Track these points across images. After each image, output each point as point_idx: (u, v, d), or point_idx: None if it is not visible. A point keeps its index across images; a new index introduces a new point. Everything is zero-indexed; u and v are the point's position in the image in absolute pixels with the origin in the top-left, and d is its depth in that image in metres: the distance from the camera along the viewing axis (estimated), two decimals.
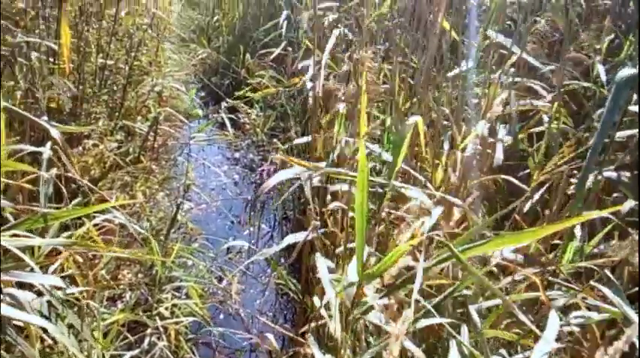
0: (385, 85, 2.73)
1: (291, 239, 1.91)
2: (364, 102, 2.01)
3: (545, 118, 2.22)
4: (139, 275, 2.20)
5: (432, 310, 1.34)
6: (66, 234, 1.81)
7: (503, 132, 2.15)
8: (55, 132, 1.83)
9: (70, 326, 1.43)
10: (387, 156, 2.19)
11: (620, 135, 1.86)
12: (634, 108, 1.88)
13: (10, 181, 1.80)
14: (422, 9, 2.63)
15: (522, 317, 1.20)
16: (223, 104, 4.19)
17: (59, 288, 1.44)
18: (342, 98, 2.46)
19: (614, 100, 1.55)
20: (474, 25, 2.69)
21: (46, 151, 1.83)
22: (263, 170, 3.58)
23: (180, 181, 3.19)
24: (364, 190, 1.36)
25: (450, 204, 1.67)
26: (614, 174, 1.78)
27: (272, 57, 4.08)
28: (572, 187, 1.73)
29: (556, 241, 1.76)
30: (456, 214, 1.72)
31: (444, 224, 1.68)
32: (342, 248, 1.90)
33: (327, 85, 2.58)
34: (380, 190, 1.89)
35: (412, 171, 2.01)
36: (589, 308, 1.35)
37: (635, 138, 1.85)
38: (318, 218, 2.23)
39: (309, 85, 2.89)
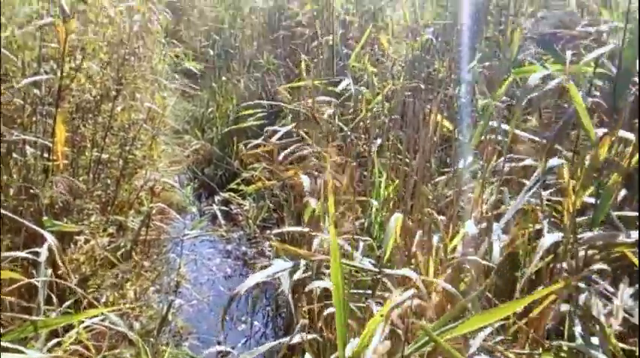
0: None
1: (273, 344, 1.89)
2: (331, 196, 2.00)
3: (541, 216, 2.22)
4: None
5: None
6: (55, 340, 1.75)
7: (499, 231, 2.14)
8: (50, 239, 1.81)
9: None
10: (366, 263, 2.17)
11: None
12: None
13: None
14: (416, 107, 2.67)
15: None
16: (216, 197, 4.18)
17: None
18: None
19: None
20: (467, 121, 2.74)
21: (43, 255, 1.81)
22: (255, 263, 3.55)
23: (171, 276, 3.14)
24: (339, 282, 1.35)
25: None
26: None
27: (265, 149, 4.12)
28: None
29: None
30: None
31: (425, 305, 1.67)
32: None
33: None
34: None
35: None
36: None
37: None
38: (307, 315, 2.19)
39: (305, 182, 2.91)
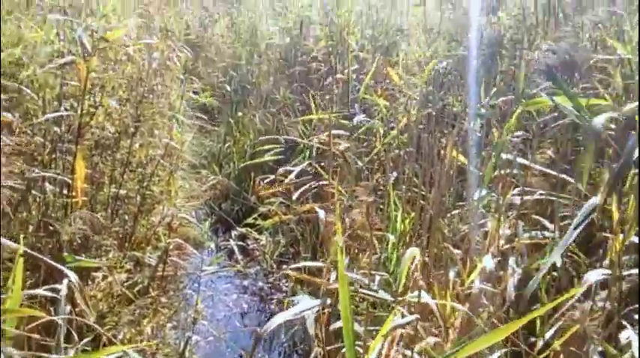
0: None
1: None
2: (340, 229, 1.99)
3: None
4: None
5: None
6: None
7: (513, 265, 2.12)
8: (72, 276, 1.83)
9: None
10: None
11: None
12: None
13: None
14: (430, 141, 2.68)
15: None
16: (233, 232, 4.20)
17: None
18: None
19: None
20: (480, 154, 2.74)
21: (63, 290, 1.83)
22: (272, 299, 3.54)
23: (188, 312, 3.14)
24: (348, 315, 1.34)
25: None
26: None
27: (283, 183, 4.14)
28: None
29: None
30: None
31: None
32: None
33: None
34: None
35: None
36: None
37: None
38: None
39: (321, 214, 2.91)
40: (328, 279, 2.51)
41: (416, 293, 1.92)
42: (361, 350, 1.70)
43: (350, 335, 1.37)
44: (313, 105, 4.59)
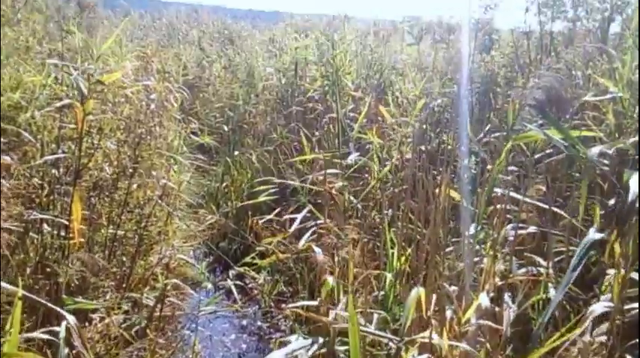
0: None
1: None
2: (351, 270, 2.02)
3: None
4: None
5: None
6: None
7: (509, 301, 2.13)
8: (71, 318, 1.83)
9: None
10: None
11: None
12: None
13: None
14: (425, 179, 2.71)
15: None
16: (231, 271, 4.19)
17: None
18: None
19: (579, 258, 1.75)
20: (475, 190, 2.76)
21: (62, 333, 1.83)
22: (271, 339, 3.52)
23: (186, 353, 3.13)
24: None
25: None
26: None
27: (279, 221, 4.16)
28: None
29: None
30: None
31: None
32: None
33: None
34: None
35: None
36: None
37: None
38: None
39: (317, 252, 2.92)
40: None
41: (424, 333, 1.94)
42: None
43: None
44: (306, 144, 4.64)
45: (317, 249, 2.91)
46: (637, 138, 2.25)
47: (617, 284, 1.91)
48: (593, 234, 1.99)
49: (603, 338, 1.91)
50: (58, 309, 1.96)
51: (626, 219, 1.95)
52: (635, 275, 1.99)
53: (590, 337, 1.88)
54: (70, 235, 2.69)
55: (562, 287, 1.90)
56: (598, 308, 1.89)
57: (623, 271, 1.92)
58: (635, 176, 1.91)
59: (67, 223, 2.68)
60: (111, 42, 3.00)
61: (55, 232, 2.70)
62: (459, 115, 3.91)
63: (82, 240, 2.79)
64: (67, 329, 1.95)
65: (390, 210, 3.18)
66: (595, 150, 2.11)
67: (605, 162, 2.73)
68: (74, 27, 3.62)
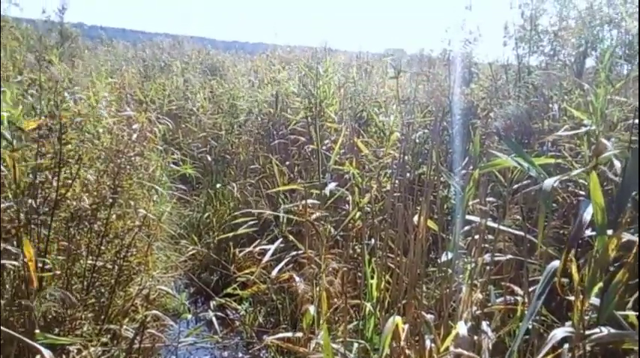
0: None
1: None
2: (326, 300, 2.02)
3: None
4: None
5: None
6: None
7: (487, 330, 2.14)
8: (47, 353, 1.82)
9: None
10: None
11: None
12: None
13: None
14: (404, 209, 2.73)
15: None
16: (212, 302, 4.17)
17: None
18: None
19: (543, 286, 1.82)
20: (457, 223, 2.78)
21: None
22: None
23: None
24: None
25: None
26: None
27: (261, 252, 4.14)
28: None
29: None
30: None
31: None
32: None
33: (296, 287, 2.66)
34: None
35: None
36: None
37: None
38: None
39: (298, 282, 2.92)
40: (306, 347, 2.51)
41: None
42: None
43: None
44: (285, 175, 4.67)
45: (297, 279, 2.91)
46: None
47: (576, 310, 1.93)
48: (555, 263, 2.02)
49: None
50: (33, 344, 1.94)
51: (572, 245, 1.99)
52: (595, 300, 2.02)
53: None
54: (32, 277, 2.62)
55: (528, 315, 1.92)
56: (559, 333, 1.91)
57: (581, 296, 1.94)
58: (589, 208, 1.96)
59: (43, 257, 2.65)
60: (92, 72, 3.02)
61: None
62: (439, 147, 3.95)
63: (59, 272, 2.76)
64: None
65: (372, 240, 3.19)
66: (549, 181, 2.15)
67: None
68: (55, 57, 3.64)
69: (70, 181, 2.83)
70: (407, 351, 2.19)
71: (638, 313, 2.02)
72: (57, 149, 2.63)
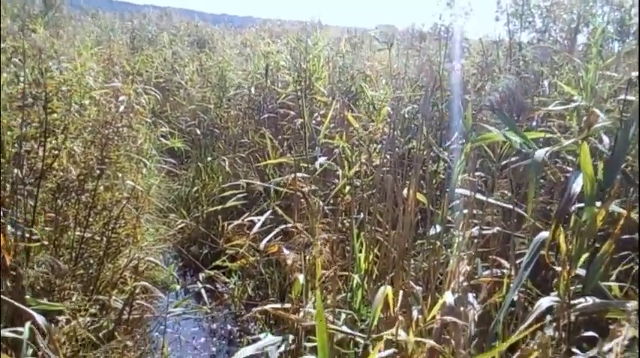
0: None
1: None
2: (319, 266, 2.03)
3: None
4: None
5: None
6: None
7: (473, 301, 2.17)
8: (39, 318, 1.82)
9: None
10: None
11: None
12: None
13: None
14: (394, 183, 2.73)
15: None
16: (201, 275, 4.18)
17: None
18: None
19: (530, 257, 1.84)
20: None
21: (25, 333, 1.82)
22: (241, 342, 3.52)
23: (154, 355, 3.11)
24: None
25: None
26: None
27: (250, 225, 4.14)
28: None
29: None
30: None
31: None
32: None
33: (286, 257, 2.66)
34: None
35: None
36: None
37: None
38: None
39: (286, 253, 2.93)
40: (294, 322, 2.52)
41: (390, 331, 1.96)
42: None
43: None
44: (276, 148, 4.66)
45: (286, 251, 2.92)
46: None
47: (562, 281, 1.95)
48: (543, 233, 2.03)
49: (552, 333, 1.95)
50: (26, 308, 1.94)
51: (561, 216, 2.00)
52: (581, 271, 2.05)
53: (541, 332, 1.92)
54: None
55: (514, 286, 1.95)
56: (545, 302, 1.93)
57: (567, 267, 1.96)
58: (579, 179, 1.97)
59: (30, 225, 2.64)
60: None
61: (20, 234, 2.66)
62: (430, 122, 3.95)
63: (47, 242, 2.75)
64: (32, 331, 1.93)
65: (361, 214, 3.20)
66: (540, 152, 2.16)
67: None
68: (40, 26, 3.58)
69: (56, 151, 2.80)
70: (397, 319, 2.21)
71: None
72: (42, 118, 2.60)
